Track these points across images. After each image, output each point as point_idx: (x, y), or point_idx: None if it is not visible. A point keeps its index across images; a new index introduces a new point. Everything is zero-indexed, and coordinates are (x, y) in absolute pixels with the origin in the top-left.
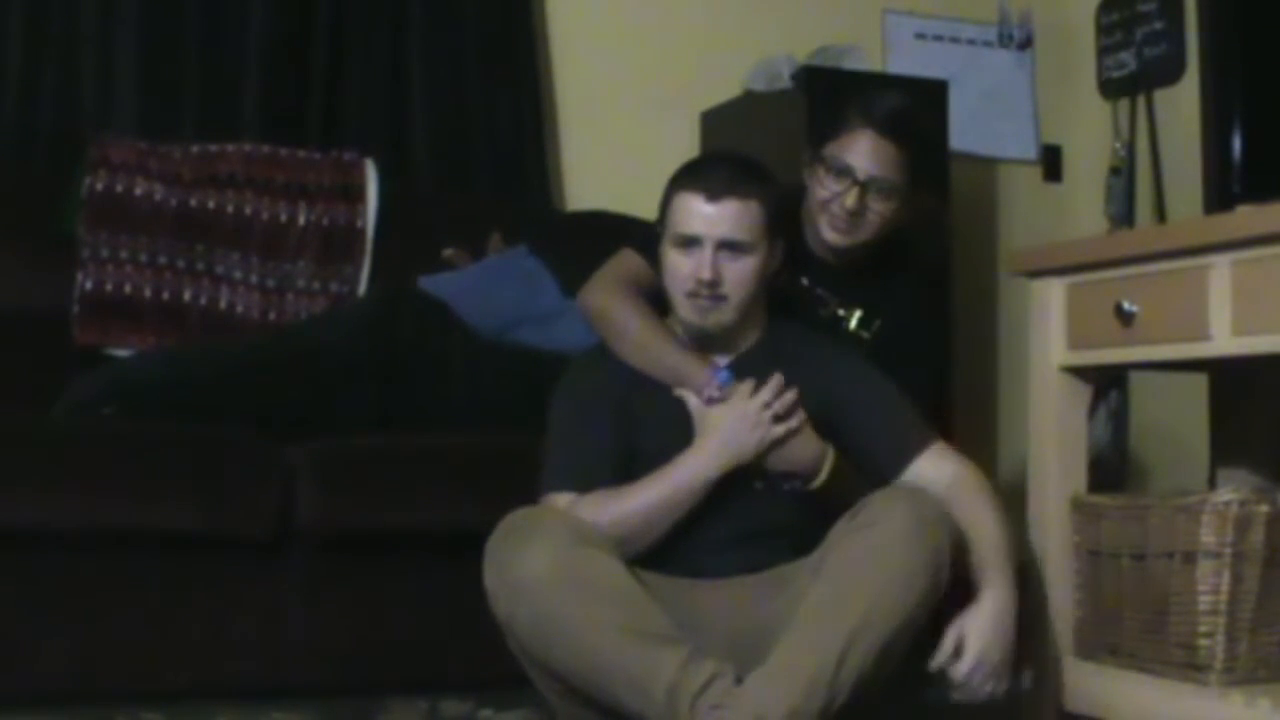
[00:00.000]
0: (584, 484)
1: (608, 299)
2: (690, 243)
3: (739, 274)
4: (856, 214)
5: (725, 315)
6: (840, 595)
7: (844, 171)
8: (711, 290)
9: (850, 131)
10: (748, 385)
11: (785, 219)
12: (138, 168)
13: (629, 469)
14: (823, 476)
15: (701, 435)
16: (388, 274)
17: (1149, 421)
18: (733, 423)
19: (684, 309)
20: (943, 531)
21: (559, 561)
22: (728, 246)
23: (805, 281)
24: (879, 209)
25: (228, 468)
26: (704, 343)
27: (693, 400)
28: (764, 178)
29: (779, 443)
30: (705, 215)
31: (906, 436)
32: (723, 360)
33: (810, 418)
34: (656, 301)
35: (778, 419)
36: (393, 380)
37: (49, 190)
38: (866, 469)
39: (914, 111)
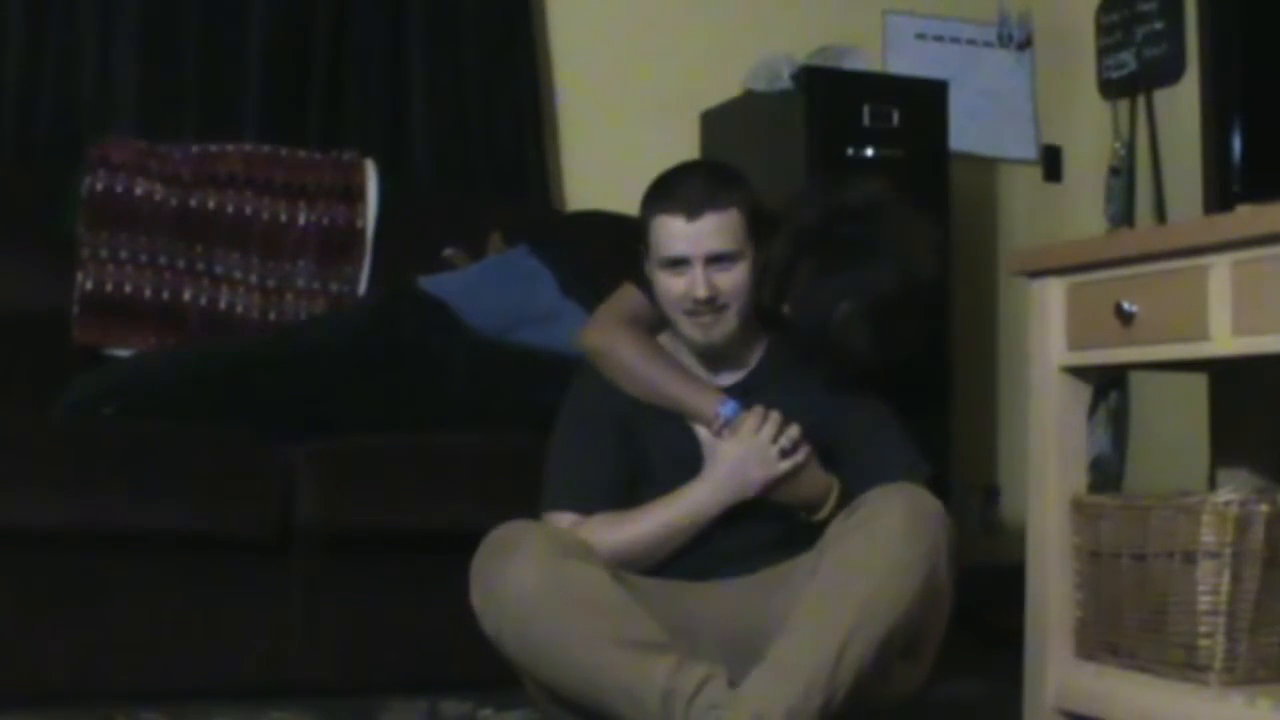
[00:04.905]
0: (586, 504)
1: (606, 337)
2: (679, 264)
3: (733, 283)
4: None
5: (729, 325)
6: (837, 593)
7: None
8: (710, 306)
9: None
10: (755, 418)
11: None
12: (138, 168)
13: (632, 488)
14: (827, 509)
15: (710, 467)
16: (388, 274)
17: (1149, 421)
18: (740, 458)
19: (687, 328)
20: (939, 527)
21: (544, 576)
22: (716, 259)
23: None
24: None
25: (228, 468)
26: (713, 359)
27: (703, 431)
28: (737, 182)
29: (785, 478)
30: (688, 235)
31: (894, 469)
32: (733, 378)
33: (814, 444)
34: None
35: (784, 454)
36: (393, 380)
37: (49, 190)
38: (855, 490)
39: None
